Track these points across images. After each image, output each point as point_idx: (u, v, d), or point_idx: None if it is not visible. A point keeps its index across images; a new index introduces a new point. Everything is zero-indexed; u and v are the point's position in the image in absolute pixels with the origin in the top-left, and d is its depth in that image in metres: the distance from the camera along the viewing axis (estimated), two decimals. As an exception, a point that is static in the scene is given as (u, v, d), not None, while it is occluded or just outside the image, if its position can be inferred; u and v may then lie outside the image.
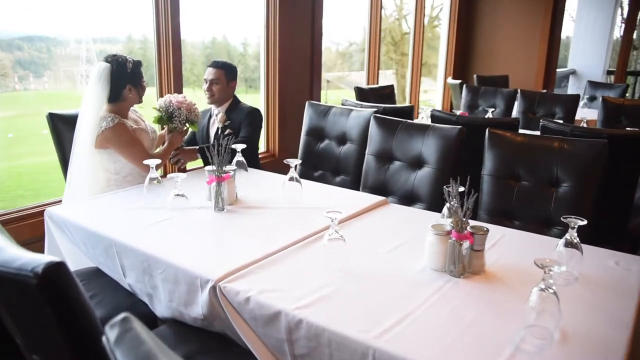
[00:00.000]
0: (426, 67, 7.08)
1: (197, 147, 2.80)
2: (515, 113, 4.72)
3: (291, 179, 2.15)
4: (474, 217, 2.50)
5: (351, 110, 3.03)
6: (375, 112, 2.91)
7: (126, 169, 2.53)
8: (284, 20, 4.19)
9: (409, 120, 2.71)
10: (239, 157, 2.36)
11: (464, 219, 1.56)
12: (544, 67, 6.60)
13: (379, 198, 2.31)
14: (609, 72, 9.18)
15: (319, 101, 4.84)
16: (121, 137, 2.45)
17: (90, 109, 2.44)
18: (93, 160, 2.47)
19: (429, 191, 2.53)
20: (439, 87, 7.03)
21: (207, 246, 1.81)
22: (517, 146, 2.40)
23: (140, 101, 2.62)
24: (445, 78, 6.87)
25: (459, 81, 5.63)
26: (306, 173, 3.12)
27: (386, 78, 6.89)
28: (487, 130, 2.47)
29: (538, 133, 3.69)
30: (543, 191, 2.31)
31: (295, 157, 3.04)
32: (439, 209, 2.53)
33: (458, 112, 4.00)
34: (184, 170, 2.83)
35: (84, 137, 2.43)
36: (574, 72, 8.79)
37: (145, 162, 2.11)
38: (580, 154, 2.27)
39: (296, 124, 4.62)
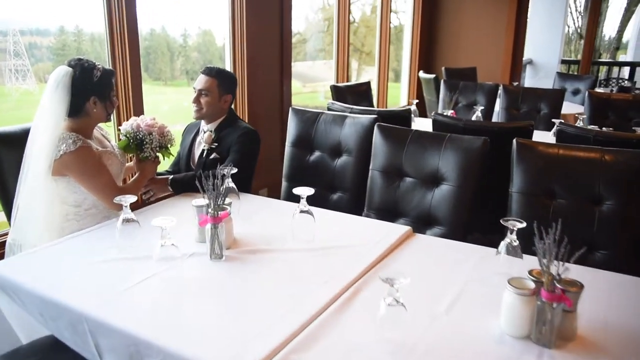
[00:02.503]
0: (371, 57, 6.87)
1: (170, 178, 2.32)
2: (498, 109, 4.47)
3: (302, 211, 1.74)
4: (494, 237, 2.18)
5: (345, 117, 2.63)
6: (376, 119, 2.53)
7: (89, 200, 2.05)
8: (251, 8, 3.75)
9: (421, 130, 2.35)
10: (228, 182, 1.93)
11: (559, 274, 1.21)
12: (510, 58, 6.42)
13: (402, 229, 1.93)
14: (564, 62, 9.21)
15: (290, 100, 4.43)
16: (85, 163, 1.97)
17: (45, 124, 1.95)
18: (47, 190, 1.97)
19: (450, 213, 2.19)
20: (404, 81, 6.73)
21: (214, 318, 1.37)
22: (551, 159, 2.09)
23: (107, 119, 2.14)
24: (411, 71, 6.58)
25: (432, 75, 5.34)
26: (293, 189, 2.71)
27: (331, 68, 6.68)
28: (514, 142, 2.14)
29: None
30: (583, 210, 2.01)
31: (275, 169, 2.64)
32: (462, 234, 2.20)
33: (449, 112, 3.68)
34: (156, 200, 2.35)
35: (36, 160, 1.94)
36: (530, 62, 8.73)
37: (117, 199, 1.64)
38: (624, 165, 1.99)
39: (270, 127, 4.27)
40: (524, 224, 1.50)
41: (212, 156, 2.43)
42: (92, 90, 2.01)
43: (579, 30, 11.23)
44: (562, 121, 2.79)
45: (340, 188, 2.60)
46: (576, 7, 11.02)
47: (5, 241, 2.07)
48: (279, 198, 2.61)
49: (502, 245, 1.55)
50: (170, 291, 1.47)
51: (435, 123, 2.82)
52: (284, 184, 2.75)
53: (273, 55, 4.12)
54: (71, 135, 1.96)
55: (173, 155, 2.39)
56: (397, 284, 1.16)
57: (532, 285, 1.26)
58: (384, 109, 3.73)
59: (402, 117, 2.93)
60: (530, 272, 1.33)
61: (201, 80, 2.46)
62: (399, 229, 1.93)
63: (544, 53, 8.50)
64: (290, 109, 2.77)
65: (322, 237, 1.81)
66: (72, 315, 1.39)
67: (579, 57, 11.14)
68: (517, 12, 6.32)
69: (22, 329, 1.62)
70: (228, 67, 3.92)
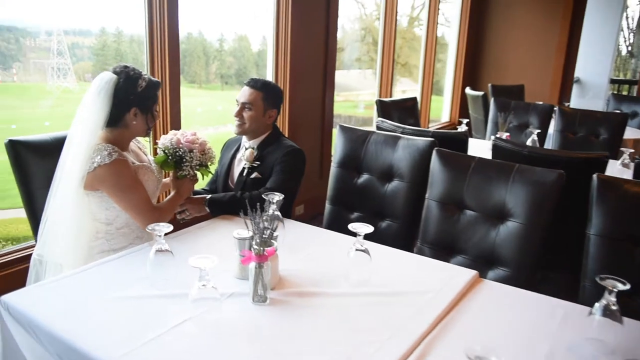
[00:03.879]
0: (406, 68, 6.69)
1: (207, 199, 2.13)
2: (551, 131, 4.18)
3: (358, 250, 1.53)
4: (576, 289, 1.93)
5: (398, 138, 2.41)
6: (433, 142, 2.30)
7: (121, 218, 1.89)
8: (297, 16, 3.59)
9: (485, 158, 2.11)
10: (272, 209, 1.72)
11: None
12: (560, 77, 6.11)
13: (468, 273, 1.70)
14: (613, 81, 8.79)
15: (332, 112, 4.24)
16: (119, 178, 1.80)
17: (82, 133, 1.80)
18: (78, 204, 1.81)
19: (517, 253, 1.95)
20: (447, 97, 6.48)
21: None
22: (637, 198, 1.83)
23: (146, 134, 1.98)
24: (455, 86, 6.32)
25: (480, 93, 5.07)
26: (339, 214, 2.50)
27: (366, 78, 6.57)
28: (594, 178, 1.89)
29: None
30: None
31: (313, 185, 2.44)
32: (529, 278, 1.96)
33: (504, 135, 3.43)
34: (190, 222, 2.16)
35: (69, 171, 1.79)
36: (577, 81, 8.35)
37: (150, 228, 1.46)
38: None
39: (310, 140, 4.10)
40: (628, 286, 1.25)
41: (253, 175, 2.23)
42: (135, 101, 1.85)
43: (629, 49, 10.78)
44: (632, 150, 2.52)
45: (390, 215, 2.38)
46: (628, 24, 10.58)
47: (31, 254, 1.94)
48: (316, 215, 2.40)
49: (598, 306, 1.31)
50: (207, 340, 1.27)
51: (495, 149, 2.58)
52: (327, 206, 2.54)
53: (317, 65, 3.96)
54: (107, 146, 1.80)
55: (212, 174, 2.21)
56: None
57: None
58: (439, 129, 3.48)
59: (459, 141, 2.69)
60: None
61: (245, 93, 2.28)
62: (465, 273, 1.69)
63: (593, 72, 8.11)
64: (338, 126, 2.57)
65: (378, 278, 1.59)
66: (96, 365, 1.20)
67: (628, 76, 10.72)
68: (570, 28, 6.02)
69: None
70: (269, 76, 3.77)
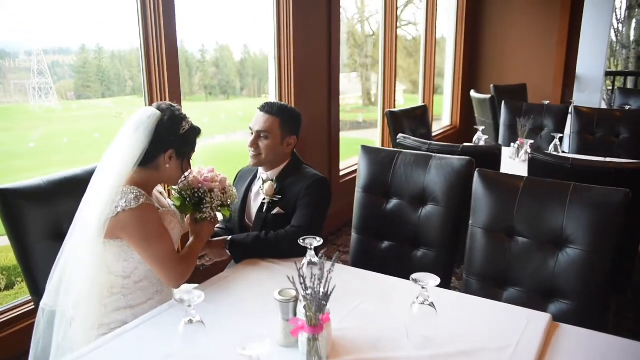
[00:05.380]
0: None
1: (228, 241, 1.89)
2: (568, 133, 3.99)
3: (423, 302, 1.30)
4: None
5: (430, 157, 2.19)
6: (471, 162, 2.09)
7: (140, 271, 1.66)
8: (299, 27, 3.38)
9: (536, 178, 1.90)
10: (312, 257, 1.50)
11: None
12: (562, 74, 5.95)
13: (542, 318, 1.48)
14: (608, 74, 8.68)
15: (338, 122, 4.02)
16: (146, 225, 1.59)
17: (110, 170, 1.60)
18: (93, 255, 1.58)
19: (582, 284, 1.74)
20: (447, 100, 6.29)
21: None
22: None
23: (175, 182, 1.77)
24: (454, 88, 6.14)
25: (487, 96, 4.88)
26: (367, 244, 2.28)
27: (350, 81, 6.44)
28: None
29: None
30: None
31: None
32: (597, 312, 1.75)
33: (528, 143, 3.22)
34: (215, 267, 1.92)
35: (89, 214, 1.58)
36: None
37: (178, 298, 1.22)
38: None
39: (318, 154, 3.90)
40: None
41: (274, 211, 2.00)
42: (174, 143, 1.67)
43: (619, 40, 10.69)
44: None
45: (426, 244, 2.16)
46: (616, 15, 10.49)
47: (32, 309, 1.70)
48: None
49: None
50: None
51: (533, 163, 2.37)
52: (353, 235, 2.32)
53: (321, 75, 3.75)
54: (133, 189, 1.59)
55: (233, 214, 1.98)
56: None
57: None
58: (468, 144, 3.28)
59: (491, 156, 2.47)
60: None
61: (259, 120, 2.04)
62: (539, 318, 1.48)
63: (590, 66, 7.99)
64: (361, 147, 2.34)
65: (445, 333, 1.37)
66: None
67: (619, 67, 10.62)
68: (570, 22, 5.86)
69: None
70: (272, 86, 3.56)
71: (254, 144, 2.02)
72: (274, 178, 2.04)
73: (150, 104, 2.76)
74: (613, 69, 10.79)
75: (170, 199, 1.84)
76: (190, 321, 1.23)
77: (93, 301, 1.62)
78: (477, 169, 1.97)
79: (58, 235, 1.78)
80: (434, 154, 2.20)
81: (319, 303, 1.12)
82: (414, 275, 1.29)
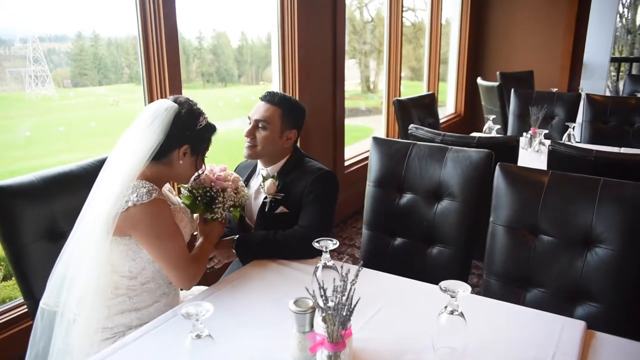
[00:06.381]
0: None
1: (235, 240, 1.78)
2: (579, 122, 3.87)
3: (452, 312, 1.19)
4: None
5: (446, 149, 2.08)
6: (490, 154, 1.98)
7: (147, 271, 1.57)
8: (303, 13, 3.25)
9: (562, 173, 1.79)
10: (327, 260, 1.39)
11: None
12: (569, 60, 5.81)
13: (577, 326, 1.37)
14: (613, 60, 8.54)
15: (343, 111, 3.89)
16: (158, 221, 1.49)
17: (122, 164, 1.50)
18: (99, 253, 1.47)
19: (612, 286, 1.63)
20: (451, 87, 6.16)
21: None
22: None
23: (186, 180, 1.67)
24: (459, 75, 6.00)
25: (495, 83, 4.74)
26: (379, 240, 2.17)
27: (349, 68, 6.38)
28: None
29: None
30: None
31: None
32: (630, 316, 1.65)
33: (542, 133, 3.11)
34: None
35: (96, 210, 1.47)
36: (581, 63, 8.10)
37: (185, 312, 1.11)
38: None
39: (322, 144, 3.79)
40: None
41: (278, 210, 1.87)
42: (190, 138, 1.58)
43: (624, 25, 10.53)
44: None
45: (442, 241, 2.05)
46: (622, 0, 10.32)
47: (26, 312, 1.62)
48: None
49: None
50: None
51: (553, 155, 2.25)
52: (365, 232, 2.21)
53: (325, 61, 3.61)
54: (145, 183, 1.49)
55: (244, 215, 1.87)
56: None
57: None
58: (477, 133, 3.16)
59: (508, 147, 2.36)
60: None
61: (259, 109, 1.91)
62: (573, 325, 1.37)
63: (595, 52, 7.86)
64: (371, 138, 2.22)
65: (474, 343, 1.26)
66: None
67: (624, 53, 10.46)
68: (578, 9, 5.72)
69: None
70: (276, 73, 3.44)
71: (251, 134, 1.88)
72: (275, 174, 1.92)
73: (150, 93, 2.65)
74: (617, 55, 10.65)
75: (179, 197, 1.73)
76: (198, 336, 1.12)
77: (96, 302, 1.52)
78: (498, 163, 1.86)
79: (53, 235, 1.68)
80: (449, 146, 2.09)
81: (342, 319, 1.01)
82: (443, 284, 1.18)
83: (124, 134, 1.59)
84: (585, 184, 1.71)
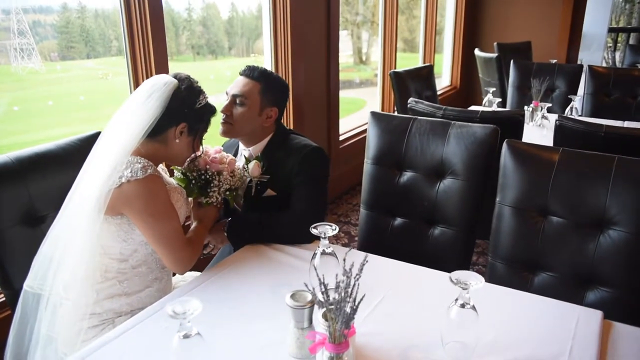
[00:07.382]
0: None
1: (228, 222, 1.68)
2: (581, 94, 3.76)
3: (463, 305, 1.10)
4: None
5: (448, 125, 1.97)
6: (495, 130, 1.87)
7: (139, 254, 1.48)
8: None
9: (573, 150, 1.68)
10: (325, 247, 1.29)
11: None
12: (568, 31, 5.67)
13: (594, 316, 1.29)
14: (610, 30, 8.39)
15: (338, 86, 3.76)
16: (153, 198, 1.40)
17: (116, 139, 1.42)
18: (89, 233, 1.38)
19: (626, 271, 1.55)
20: (447, 58, 6.01)
21: None
22: None
23: (181, 162, 1.59)
24: (455, 45, 5.85)
25: (494, 55, 4.60)
26: (377, 221, 2.07)
27: (341, 40, 6.24)
28: None
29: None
30: None
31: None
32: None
33: (545, 106, 3.00)
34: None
35: (86, 187, 1.38)
36: (578, 33, 7.94)
37: (171, 311, 1.00)
38: None
39: (316, 121, 3.67)
40: None
41: (265, 193, 1.76)
42: (188, 116, 1.51)
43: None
44: None
45: (444, 221, 1.95)
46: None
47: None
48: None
49: None
50: None
51: (560, 130, 2.14)
52: (363, 212, 2.11)
53: (319, 33, 3.47)
54: (140, 159, 1.40)
55: (241, 198, 1.75)
56: None
57: None
58: (486, 108, 3.04)
59: (513, 122, 2.25)
60: None
61: (238, 83, 1.77)
62: (590, 315, 1.28)
63: (593, 22, 7.70)
64: (370, 113, 2.10)
65: (487, 338, 1.17)
66: None
67: (621, 23, 10.31)
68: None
69: None
70: (267, 47, 3.29)
71: (228, 110, 1.74)
72: (259, 155, 1.79)
73: (134, 66, 2.51)
74: (614, 25, 10.48)
75: (172, 179, 1.62)
76: (186, 335, 1.02)
77: (85, 286, 1.44)
78: (505, 140, 1.75)
79: (31, 220, 1.58)
80: (452, 122, 1.97)
81: (345, 317, 0.91)
82: (454, 275, 1.08)
83: (119, 108, 1.49)
84: (598, 162, 1.61)
